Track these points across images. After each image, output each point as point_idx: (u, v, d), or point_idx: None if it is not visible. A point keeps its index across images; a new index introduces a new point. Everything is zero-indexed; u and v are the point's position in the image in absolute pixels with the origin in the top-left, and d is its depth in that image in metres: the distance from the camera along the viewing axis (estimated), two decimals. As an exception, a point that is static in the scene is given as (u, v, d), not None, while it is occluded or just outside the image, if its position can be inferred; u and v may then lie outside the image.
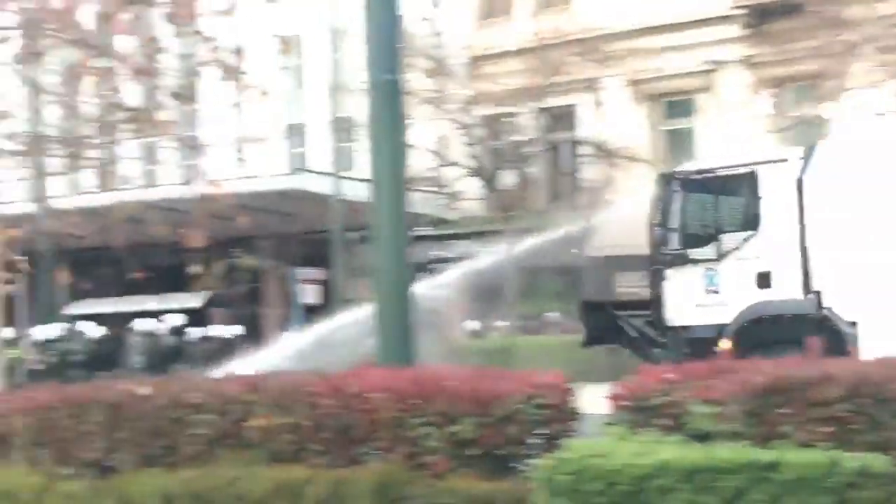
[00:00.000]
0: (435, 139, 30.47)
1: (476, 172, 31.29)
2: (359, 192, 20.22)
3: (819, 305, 13.59)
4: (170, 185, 17.52)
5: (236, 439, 9.54)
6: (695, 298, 14.34)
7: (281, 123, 35.07)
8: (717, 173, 14.51)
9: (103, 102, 13.01)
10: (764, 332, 13.45)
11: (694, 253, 14.39)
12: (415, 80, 25.09)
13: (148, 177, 24.59)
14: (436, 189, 31.57)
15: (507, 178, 31.22)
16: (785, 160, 14.14)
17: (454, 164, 30.93)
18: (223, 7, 12.58)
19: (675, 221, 14.55)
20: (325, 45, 29.47)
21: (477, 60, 32.39)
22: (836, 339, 12.95)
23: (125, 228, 13.07)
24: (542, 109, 30.90)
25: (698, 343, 13.95)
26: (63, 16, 12.08)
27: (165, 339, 22.52)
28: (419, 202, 27.05)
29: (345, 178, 28.14)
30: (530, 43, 30.69)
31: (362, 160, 10.75)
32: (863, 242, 13.27)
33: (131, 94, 13.10)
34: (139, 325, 22.61)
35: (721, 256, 14.21)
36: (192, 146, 14.63)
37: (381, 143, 10.15)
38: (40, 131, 14.73)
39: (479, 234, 30.60)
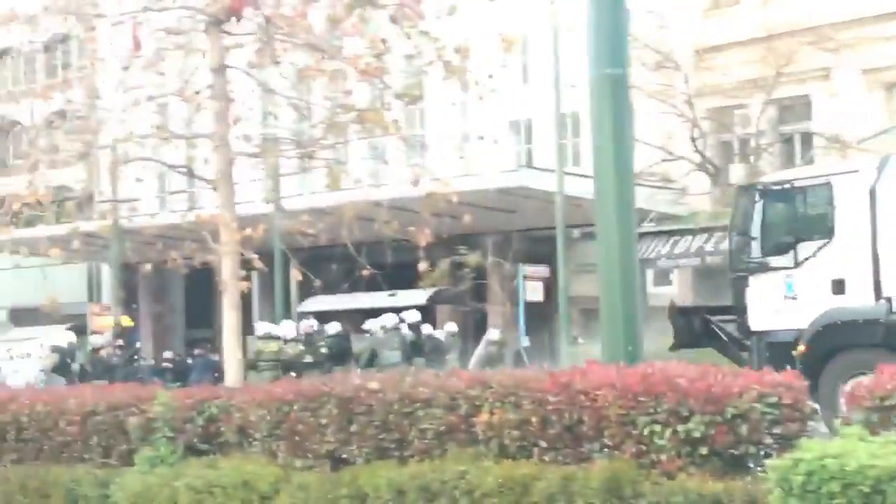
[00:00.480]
0: (661, 134, 30.05)
1: (703, 167, 30.73)
2: (583, 188, 20.12)
3: (890, 311, 13.94)
4: (397, 183, 17.87)
5: (465, 434, 9.63)
6: (774, 304, 14.98)
7: (505, 120, 35.23)
8: (795, 184, 15.05)
9: (333, 104, 13.32)
10: (838, 336, 14.02)
11: (773, 261, 15.00)
12: (640, 73, 24.77)
13: (375, 176, 25.13)
14: (662, 184, 31.13)
15: (736, 172, 30.52)
16: (857, 171, 14.67)
17: (681, 158, 30.44)
18: (447, 7, 12.70)
19: (755, 231, 15.23)
20: (548, 41, 29.43)
21: (703, 52, 31.80)
22: None
23: (354, 226, 13.37)
24: (773, 100, 30.10)
25: (778, 347, 14.51)
26: (294, 21, 12.41)
27: (406, 335, 22.80)
28: (645, 198, 26.71)
29: (569, 174, 28.05)
30: (759, 32, 29.93)
31: (589, 156, 10.63)
32: None
33: (359, 94, 13.37)
34: (384, 321, 22.89)
35: (798, 264, 14.76)
36: (418, 145, 14.83)
37: (606, 138, 10.04)
38: (273, 133, 15.20)
39: (706, 230, 30.01)
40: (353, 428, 10.30)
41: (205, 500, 10.73)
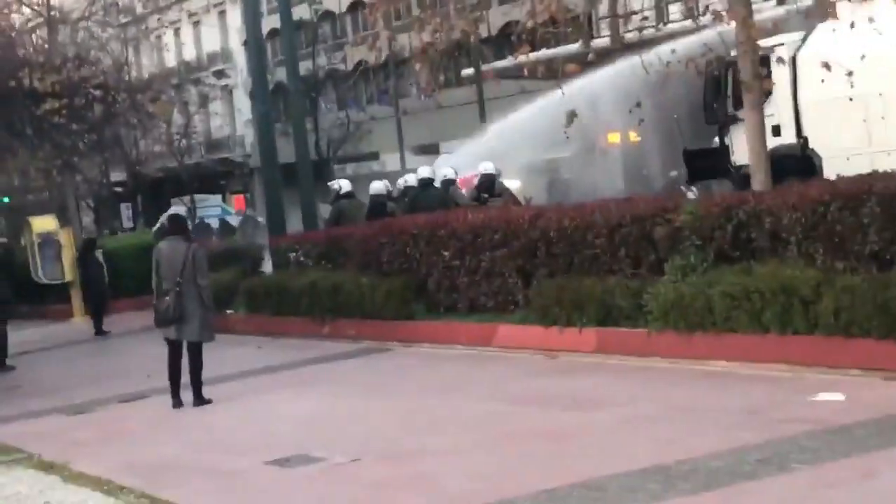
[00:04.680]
0: None
1: None
2: None
3: (805, 146, 19.20)
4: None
5: None
6: (744, 145, 17.96)
7: None
8: None
9: None
10: (776, 166, 16.30)
11: (740, 114, 18.11)
12: None
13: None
14: None
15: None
16: (783, 44, 18.68)
17: None
18: None
19: (728, 91, 19.91)
20: None
21: None
22: (813, 168, 18.30)
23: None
24: None
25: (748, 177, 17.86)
26: None
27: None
28: None
29: None
30: None
31: None
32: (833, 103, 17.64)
33: None
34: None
35: None
36: None
37: None
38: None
39: None
40: (901, 227, 9.60)
41: (741, 306, 10.43)
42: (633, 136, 30.57)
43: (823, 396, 8.79)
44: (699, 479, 6.88)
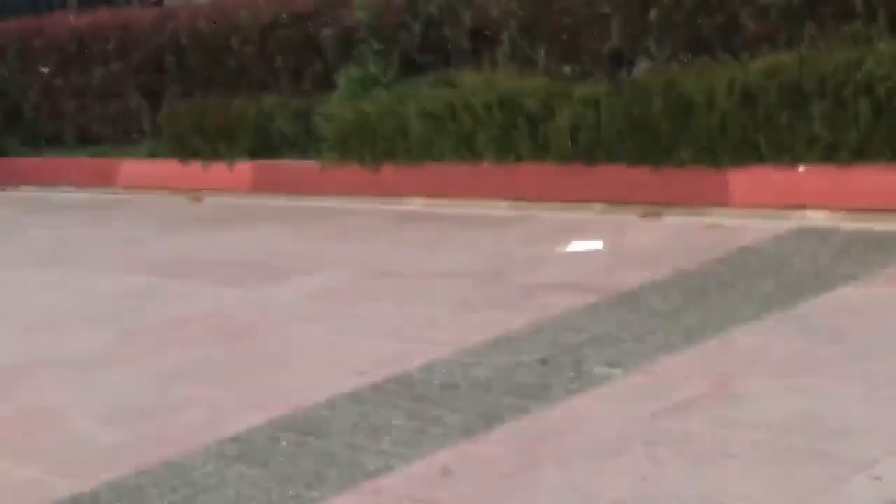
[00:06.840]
0: None
1: None
2: None
3: None
4: None
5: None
6: None
7: None
8: None
9: None
10: None
11: None
12: None
13: None
14: None
15: None
16: None
17: None
18: None
19: None
20: None
21: None
22: None
23: None
24: None
25: None
26: None
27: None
28: None
29: None
30: None
31: None
32: None
33: None
34: None
35: None
36: None
37: None
38: None
39: None
40: (651, 16, 7.42)
41: (446, 127, 8.08)
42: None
43: (577, 246, 6.61)
44: (473, 407, 4.49)
